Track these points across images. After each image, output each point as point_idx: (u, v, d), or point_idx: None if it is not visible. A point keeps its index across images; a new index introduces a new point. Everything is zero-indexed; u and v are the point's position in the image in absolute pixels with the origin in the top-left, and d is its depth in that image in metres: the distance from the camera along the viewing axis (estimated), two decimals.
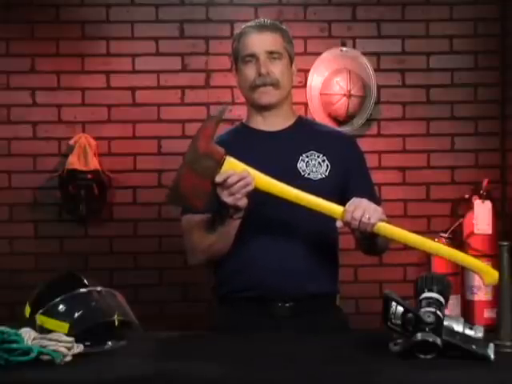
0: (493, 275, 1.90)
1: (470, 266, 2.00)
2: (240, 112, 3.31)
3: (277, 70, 2.14)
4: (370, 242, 2.07)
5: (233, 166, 1.94)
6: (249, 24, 2.21)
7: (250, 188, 1.94)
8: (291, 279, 2.09)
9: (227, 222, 2.03)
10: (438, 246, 2.09)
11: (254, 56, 2.14)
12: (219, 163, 1.94)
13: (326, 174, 2.15)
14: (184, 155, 1.97)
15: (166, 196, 2.01)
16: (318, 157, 2.16)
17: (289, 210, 2.08)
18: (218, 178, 1.93)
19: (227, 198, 1.94)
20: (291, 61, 2.21)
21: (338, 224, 1.97)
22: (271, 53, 2.14)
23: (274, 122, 2.20)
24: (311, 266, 2.12)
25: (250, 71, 2.15)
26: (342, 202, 2.05)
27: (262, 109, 2.19)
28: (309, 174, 2.14)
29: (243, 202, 1.96)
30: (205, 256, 2.14)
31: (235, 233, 2.06)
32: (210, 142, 1.96)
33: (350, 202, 1.95)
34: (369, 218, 1.92)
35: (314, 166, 2.15)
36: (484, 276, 1.94)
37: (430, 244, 2.00)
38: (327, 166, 2.16)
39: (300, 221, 2.11)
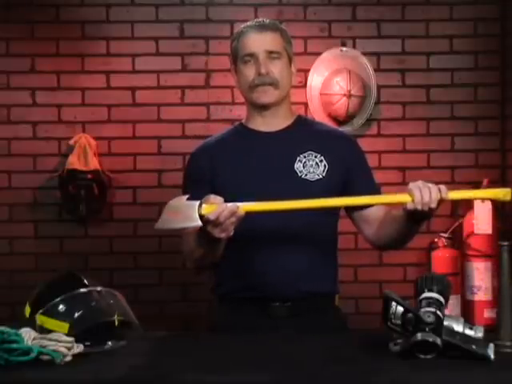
0: (504, 191, 1.89)
1: (484, 195, 1.98)
2: (240, 112, 3.31)
3: (276, 69, 2.14)
4: (416, 225, 2.01)
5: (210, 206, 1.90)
6: (248, 24, 2.20)
7: (241, 218, 1.90)
8: (290, 279, 2.09)
9: (214, 243, 2.00)
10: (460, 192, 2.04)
11: (253, 56, 2.14)
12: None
13: (324, 174, 2.14)
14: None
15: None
16: (316, 157, 2.15)
17: (287, 212, 2.08)
18: (212, 216, 1.86)
19: (221, 234, 1.91)
20: (290, 61, 2.20)
21: (409, 208, 1.88)
22: (271, 52, 2.14)
23: (273, 122, 2.20)
24: (310, 266, 2.12)
25: (249, 71, 2.15)
26: None
27: (261, 108, 2.18)
28: (306, 174, 2.13)
29: (232, 231, 1.92)
30: (195, 265, 2.17)
31: (223, 247, 2.06)
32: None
33: (410, 186, 1.89)
34: (437, 193, 1.86)
35: (312, 166, 2.15)
36: (500, 197, 1.91)
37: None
38: (325, 166, 2.15)
39: (298, 221, 2.10)
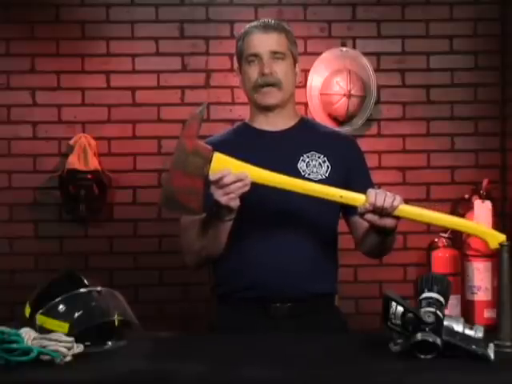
0: (498, 238, 1.88)
1: (478, 232, 1.97)
2: (241, 112, 3.32)
3: (280, 70, 2.14)
4: (382, 238, 2.04)
5: (222, 162, 1.91)
6: (253, 24, 2.20)
7: (246, 189, 1.91)
8: (290, 279, 2.08)
9: (218, 225, 2.01)
10: (453, 220, 2.02)
11: (257, 56, 2.14)
12: (208, 159, 1.90)
13: (327, 174, 2.14)
14: (172, 158, 1.94)
15: (159, 202, 1.97)
16: (319, 157, 2.16)
17: (287, 210, 2.09)
18: (212, 177, 1.88)
19: (221, 198, 1.89)
20: (295, 62, 2.20)
21: (360, 210, 1.92)
22: (275, 53, 2.14)
23: (277, 123, 2.20)
24: (310, 267, 2.12)
25: (253, 71, 2.14)
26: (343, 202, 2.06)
27: (265, 109, 2.18)
28: (309, 174, 2.13)
29: (236, 203, 1.92)
30: (197, 257, 2.13)
31: (227, 236, 2.05)
32: (196, 140, 1.93)
33: (369, 190, 1.92)
34: (392, 201, 1.89)
35: (315, 166, 2.15)
36: (489, 240, 1.91)
37: (447, 218, 1.98)
38: (328, 166, 2.16)
39: (299, 221, 2.11)
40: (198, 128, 1.94)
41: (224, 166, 1.90)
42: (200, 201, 1.89)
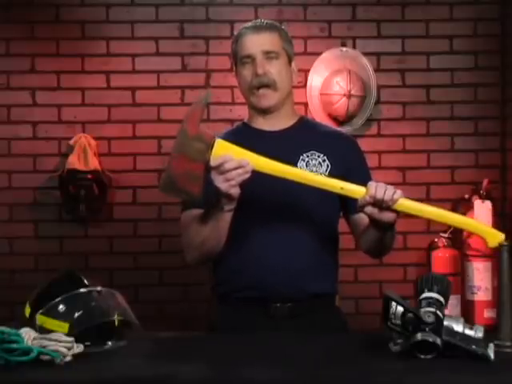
0: (497, 236, 1.87)
1: (477, 230, 1.96)
2: (240, 112, 3.32)
3: (274, 69, 2.13)
4: (381, 234, 2.03)
5: (223, 148, 1.91)
6: (246, 25, 2.20)
7: (246, 176, 1.90)
8: (291, 279, 2.08)
9: (218, 216, 2.00)
10: (453, 216, 2.01)
11: (250, 57, 2.14)
12: (209, 145, 1.90)
13: (326, 174, 2.14)
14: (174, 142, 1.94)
15: (159, 185, 1.97)
16: (319, 157, 2.16)
17: (287, 209, 2.09)
18: (213, 162, 1.88)
19: (221, 184, 1.89)
20: (290, 60, 2.20)
21: (360, 202, 1.91)
22: (268, 53, 2.13)
23: (276, 123, 2.20)
24: (311, 267, 2.12)
25: (247, 72, 2.14)
26: (342, 202, 2.06)
27: (263, 112, 2.18)
28: None
29: (236, 191, 1.91)
30: (198, 252, 2.11)
31: (227, 229, 2.04)
32: (199, 125, 1.92)
33: (370, 182, 1.92)
34: (393, 194, 1.89)
35: (315, 165, 2.15)
36: (489, 238, 1.90)
37: (447, 215, 1.98)
38: (327, 166, 2.16)
39: (299, 220, 2.11)
40: (202, 114, 1.94)
41: (225, 152, 1.90)
42: (200, 186, 1.89)
